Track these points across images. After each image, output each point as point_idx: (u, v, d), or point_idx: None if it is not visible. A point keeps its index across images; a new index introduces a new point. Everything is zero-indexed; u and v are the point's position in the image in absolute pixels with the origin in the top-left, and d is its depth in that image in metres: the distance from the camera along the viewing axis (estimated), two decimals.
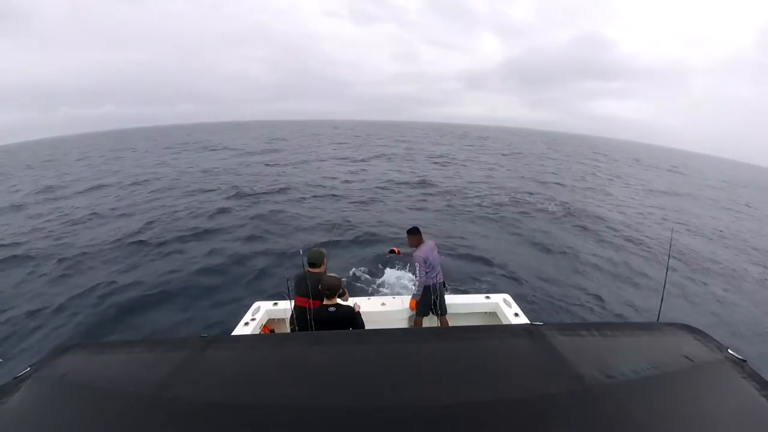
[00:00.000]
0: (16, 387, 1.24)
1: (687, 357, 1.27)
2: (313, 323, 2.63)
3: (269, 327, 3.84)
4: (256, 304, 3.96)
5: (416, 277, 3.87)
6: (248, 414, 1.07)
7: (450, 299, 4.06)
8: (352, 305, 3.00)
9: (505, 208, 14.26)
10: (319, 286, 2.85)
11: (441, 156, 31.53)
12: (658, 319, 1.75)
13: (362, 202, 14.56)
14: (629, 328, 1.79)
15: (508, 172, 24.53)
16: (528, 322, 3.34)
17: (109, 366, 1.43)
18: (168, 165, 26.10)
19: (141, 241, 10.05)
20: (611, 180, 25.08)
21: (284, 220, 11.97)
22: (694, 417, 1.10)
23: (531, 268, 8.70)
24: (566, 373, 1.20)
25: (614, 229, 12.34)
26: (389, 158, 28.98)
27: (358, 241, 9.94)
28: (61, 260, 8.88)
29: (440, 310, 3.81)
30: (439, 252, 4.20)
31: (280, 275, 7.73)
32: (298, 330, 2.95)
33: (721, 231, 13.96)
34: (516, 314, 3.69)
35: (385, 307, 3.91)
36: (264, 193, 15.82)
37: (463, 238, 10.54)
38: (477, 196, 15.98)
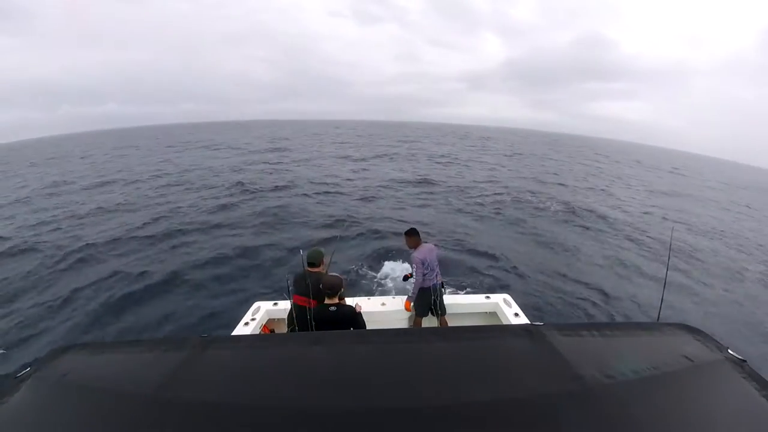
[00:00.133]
0: (16, 387, 1.23)
1: (687, 357, 1.28)
2: (313, 323, 2.61)
3: (269, 327, 3.82)
4: (256, 304, 3.93)
5: (413, 277, 3.86)
6: (248, 414, 1.08)
7: (450, 299, 4.08)
8: (354, 305, 2.96)
9: (508, 207, 14.38)
10: (320, 285, 2.82)
11: (443, 156, 31.65)
12: (658, 319, 1.77)
13: (365, 199, 14.69)
14: (629, 328, 1.80)
15: (510, 172, 24.61)
16: (528, 322, 3.34)
17: (109, 366, 1.43)
18: (172, 162, 26.30)
19: (147, 235, 10.19)
20: (613, 181, 25.14)
21: (288, 215, 12.11)
22: (694, 417, 1.10)
23: (533, 263, 8.82)
24: (566, 373, 1.20)
25: (615, 228, 12.44)
26: (391, 158, 29.08)
27: (362, 237, 10.06)
28: (68, 253, 9.02)
29: (440, 310, 3.86)
30: (440, 248, 4.14)
31: (282, 268, 7.86)
32: (298, 329, 2.93)
33: (722, 231, 14.04)
34: (516, 314, 3.68)
35: (385, 307, 3.90)
36: (268, 189, 15.97)
37: (467, 234, 10.66)
38: (479, 195, 16.09)
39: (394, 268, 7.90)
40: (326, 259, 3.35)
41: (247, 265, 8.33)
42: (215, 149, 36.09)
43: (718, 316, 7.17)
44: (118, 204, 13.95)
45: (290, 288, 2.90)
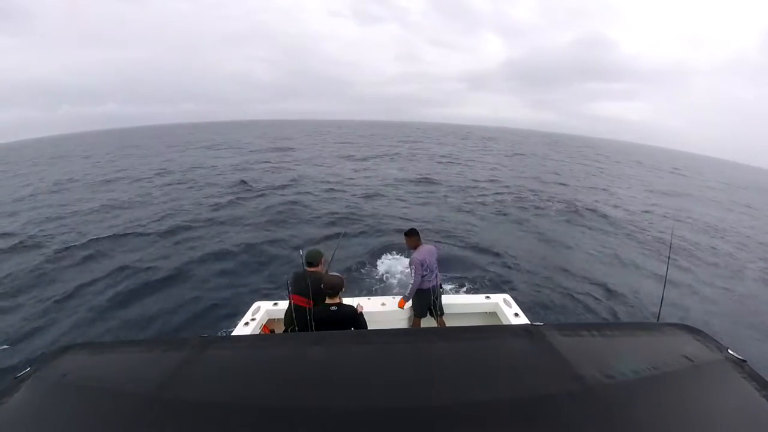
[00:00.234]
0: (16, 387, 1.23)
1: (687, 357, 1.27)
2: (312, 323, 2.59)
3: (269, 327, 3.82)
4: (256, 304, 3.92)
5: (411, 278, 3.83)
6: (248, 414, 1.08)
7: (450, 299, 4.10)
8: (356, 306, 2.94)
9: (509, 205, 14.46)
10: (321, 285, 2.80)
11: (444, 156, 31.72)
12: (658, 319, 1.77)
13: (367, 197, 14.79)
14: (629, 328, 1.81)
15: (511, 171, 24.68)
16: (528, 322, 3.35)
17: (109, 366, 1.43)
18: (175, 161, 26.40)
19: (152, 232, 10.28)
20: (613, 180, 25.22)
21: (290, 213, 12.20)
22: (694, 417, 1.10)
23: (535, 259, 8.90)
24: (566, 373, 1.20)
25: (617, 226, 12.52)
26: (392, 158, 29.16)
27: (364, 235, 10.14)
28: (73, 248, 9.11)
29: (438, 311, 3.87)
30: (441, 248, 4.05)
31: (285, 266, 7.90)
32: (297, 329, 2.91)
33: (723, 229, 14.12)
34: (516, 314, 3.67)
35: (385, 307, 3.88)
36: (271, 187, 16.07)
37: (468, 231, 10.74)
38: (481, 195, 16.17)
39: (395, 265, 7.95)
40: (325, 259, 3.36)
41: (250, 260, 8.43)
42: (217, 149, 36.19)
43: (719, 314, 7.19)
44: (122, 201, 14.05)
45: (289, 288, 2.89)
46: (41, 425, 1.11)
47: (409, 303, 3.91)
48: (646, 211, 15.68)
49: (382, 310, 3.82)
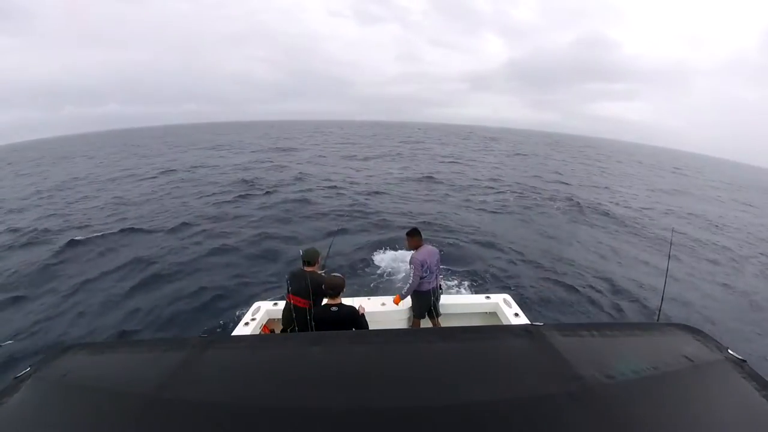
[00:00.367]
0: (16, 387, 1.23)
1: (687, 357, 1.27)
2: (312, 323, 2.58)
3: (269, 327, 3.81)
4: (256, 304, 3.91)
5: (410, 277, 3.77)
6: (248, 414, 1.08)
7: (450, 299, 4.11)
8: (357, 307, 2.91)
9: (511, 203, 14.56)
10: (322, 286, 2.79)
11: (446, 156, 31.80)
12: (658, 319, 1.80)
13: (370, 194, 14.90)
14: (629, 328, 1.82)
15: (513, 171, 24.75)
16: (528, 322, 3.35)
17: (109, 366, 1.44)
18: (179, 161, 26.55)
19: (158, 228, 10.41)
20: (615, 179, 25.28)
21: (293, 210, 12.32)
22: (695, 417, 1.10)
23: (538, 254, 8.99)
24: (566, 373, 1.20)
25: (618, 224, 12.59)
26: (393, 158, 29.25)
27: (366, 233, 10.26)
28: (78, 244, 9.24)
29: (435, 313, 3.89)
30: (443, 249, 3.91)
31: (286, 264, 8.00)
32: (297, 329, 2.90)
33: (725, 227, 14.17)
34: (516, 314, 3.67)
35: (385, 307, 3.86)
36: (274, 186, 16.19)
37: (472, 227, 10.85)
38: (483, 193, 16.26)
39: (397, 261, 7.98)
40: (321, 257, 3.35)
41: (253, 255, 8.57)
42: (220, 149, 36.35)
43: (719, 310, 7.22)
44: (128, 199, 14.21)
45: (288, 287, 2.87)
46: (41, 425, 1.11)
47: (408, 302, 3.87)
48: (648, 208, 15.74)
49: (382, 310, 3.80)
